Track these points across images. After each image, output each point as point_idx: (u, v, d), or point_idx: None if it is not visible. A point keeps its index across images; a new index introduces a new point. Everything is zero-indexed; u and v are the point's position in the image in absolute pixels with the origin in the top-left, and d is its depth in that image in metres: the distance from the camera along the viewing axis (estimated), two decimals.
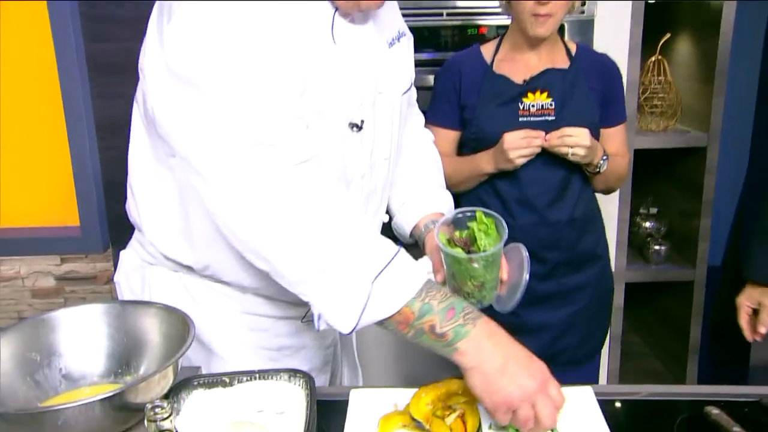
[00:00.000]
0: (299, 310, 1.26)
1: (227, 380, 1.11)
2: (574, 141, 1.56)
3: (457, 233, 1.18)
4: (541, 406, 0.94)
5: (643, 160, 2.42)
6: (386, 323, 0.99)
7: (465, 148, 1.74)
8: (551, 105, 1.61)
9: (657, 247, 2.51)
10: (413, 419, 1.03)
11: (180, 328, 1.11)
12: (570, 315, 1.74)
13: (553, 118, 1.62)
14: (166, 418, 0.79)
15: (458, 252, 1.12)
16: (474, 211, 1.17)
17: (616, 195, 2.36)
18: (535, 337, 1.70)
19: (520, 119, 1.63)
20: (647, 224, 2.58)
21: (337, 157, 1.12)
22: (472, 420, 1.03)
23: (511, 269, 1.18)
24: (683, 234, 2.52)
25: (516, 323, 1.71)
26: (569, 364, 1.76)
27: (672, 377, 2.63)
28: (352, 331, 0.99)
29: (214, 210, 1.02)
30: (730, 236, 3.30)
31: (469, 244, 1.14)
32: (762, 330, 1.54)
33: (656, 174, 2.64)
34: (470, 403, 1.06)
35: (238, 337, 1.25)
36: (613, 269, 2.34)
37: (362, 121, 1.13)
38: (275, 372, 1.12)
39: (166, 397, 1.04)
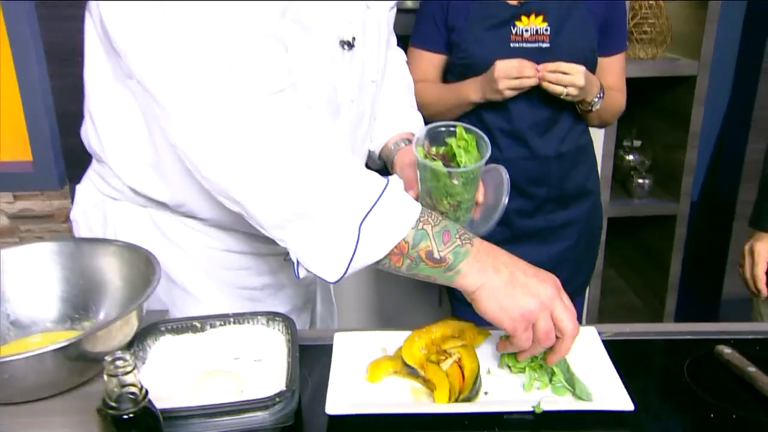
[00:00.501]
0: (278, 247, 1.14)
1: (198, 325, 1.00)
2: (569, 80, 1.44)
3: (434, 148, 1.08)
4: (560, 313, 0.87)
5: (629, 90, 2.31)
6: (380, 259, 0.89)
7: (450, 74, 1.61)
8: (546, 30, 1.49)
9: (640, 181, 2.44)
10: (405, 365, 0.94)
11: (144, 268, 0.99)
12: (558, 252, 1.66)
13: (548, 45, 1.49)
14: (129, 371, 0.68)
15: (438, 165, 1.02)
16: (454, 126, 1.07)
17: (599, 129, 2.28)
18: None
19: (512, 45, 1.50)
20: (631, 157, 2.51)
21: (327, 80, 1.00)
22: (470, 364, 0.94)
23: (487, 191, 1.09)
24: (667, 167, 2.45)
25: None
26: None
27: (650, 313, 2.61)
28: (339, 279, 0.89)
29: (176, 142, 0.89)
30: (708, 169, 3.26)
31: (448, 161, 1.05)
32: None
33: (641, 105, 2.55)
34: (467, 347, 0.97)
35: (215, 277, 1.13)
36: None
37: (353, 38, 1.00)
38: (252, 315, 1.01)
39: (129, 345, 0.93)
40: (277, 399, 0.83)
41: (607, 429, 0.87)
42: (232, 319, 1.01)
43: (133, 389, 0.69)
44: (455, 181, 1.01)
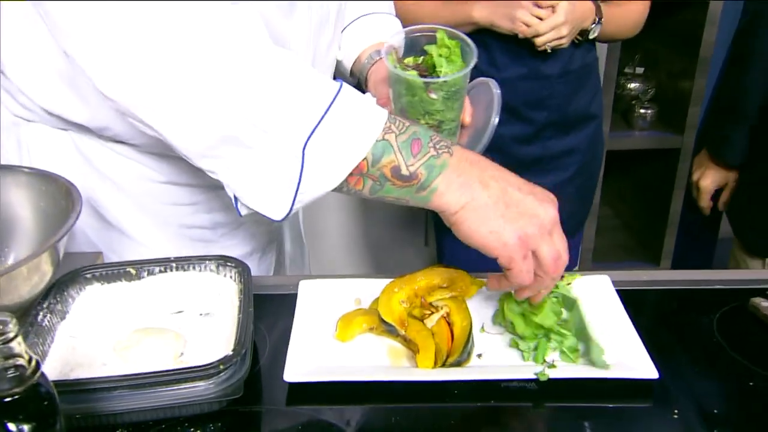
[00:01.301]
0: None
1: (133, 272, 0.83)
2: (547, 26, 1.25)
3: (411, 59, 0.89)
4: (558, 241, 0.72)
5: None
6: None
7: None
8: None
9: (642, 111, 2.25)
10: (383, 322, 0.78)
11: (63, 201, 0.81)
12: (556, 184, 1.49)
13: None
14: (12, 339, 0.51)
15: (412, 76, 0.84)
16: (434, 31, 0.88)
17: (601, 52, 2.08)
18: None
19: None
20: (633, 85, 2.31)
21: None
22: (461, 321, 0.78)
23: (476, 111, 0.91)
24: (672, 97, 2.26)
25: None
26: None
27: (647, 253, 2.48)
28: (286, 217, 0.70)
29: (64, 46, 0.68)
30: (710, 100, 3.07)
31: (426, 72, 0.86)
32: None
33: (646, 28, 2.34)
34: (458, 299, 0.81)
35: (155, 215, 0.94)
36: None
37: None
38: (199, 260, 0.84)
39: (45, 296, 0.76)
40: (222, 366, 0.67)
41: (625, 400, 0.72)
42: (174, 265, 0.83)
43: (18, 362, 0.52)
44: (434, 95, 0.83)
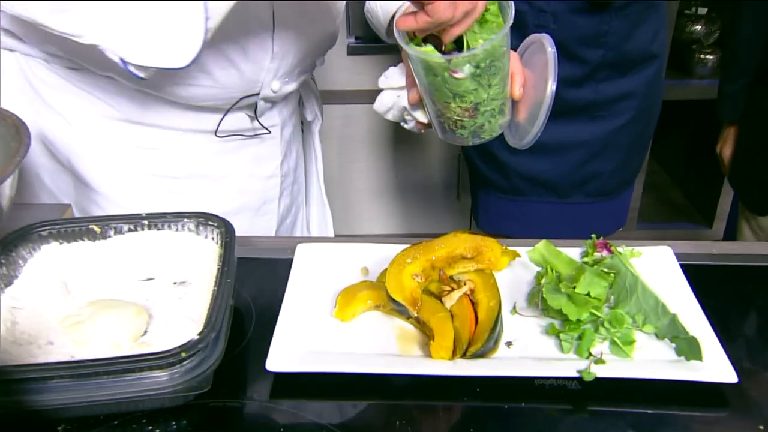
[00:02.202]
0: (209, 118, 0.81)
1: (97, 230, 0.69)
2: None
3: None
4: None
5: None
6: None
7: None
8: None
9: (702, 57, 2.04)
10: (392, 300, 0.63)
11: (13, 143, 0.67)
12: (608, 132, 1.30)
13: None
14: None
15: (428, 53, 0.64)
16: None
17: None
18: (557, 158, 1.27)
19: None
20: (694, 28, 2.08)
21: None
22: (487, 300, 0.63)
23: (531, 79, 0.71)
24: None
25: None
26: (599, 195, 1.35)
27: (699, 214, 2.29)
28: (196, 57, 0.55)
29: None
30: None
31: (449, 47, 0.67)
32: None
33: None
34: (485, 273, 0.66)
35: (117, 160, 0.81)
36: None
37: None
38: (176, 217, 0.70)
39: None
40: (184, 353, 0.53)
41: (692, 408, 0.57)
42: (146, 222, 0.70)
43: None
44: (460, 75, 0.64)
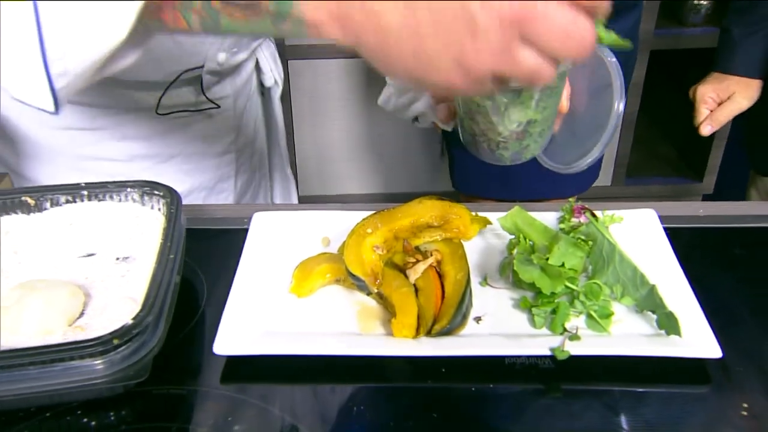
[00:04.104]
0: (149, 94, 0.74)
1: (31, 202, 0.64)
2: None
3: None
4: (539, 34, 0.41)
5: None
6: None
7: None
8: None
9: (696, 3, 1.96)
10: (351, 275, 0.58)
11: None
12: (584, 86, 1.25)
13: None
14: None
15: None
16: None
17: None
18: None
19: None
20: None
21: None
22: (455, 272, 0.59)
23: (577, 91, 0.61)
24: None
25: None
26: None
27: (689, 168, 2.24)
28: (57, 105, 0.47)
29: None
30: None
31: None
32: (707, 129, 1.24)
33: None
34: (453, 243, 0.61)
35: (44, 143, 0.75)
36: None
37: None
38: (118, 187, 0.65)
39: None
40: (117, 340, 0.48)
41: (673, 386, 0.53)
42: (85, 193, 0.64)
43: None
44: (523, 95, 0.53)
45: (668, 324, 0.54)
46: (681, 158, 2.30)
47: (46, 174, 0.74)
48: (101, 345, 0.48)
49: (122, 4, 0.42)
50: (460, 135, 0.61)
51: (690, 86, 2.13)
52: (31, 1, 0.41)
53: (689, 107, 1.99)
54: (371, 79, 2.01)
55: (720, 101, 1.24)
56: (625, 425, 0.51)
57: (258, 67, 0.86)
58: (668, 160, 2.32)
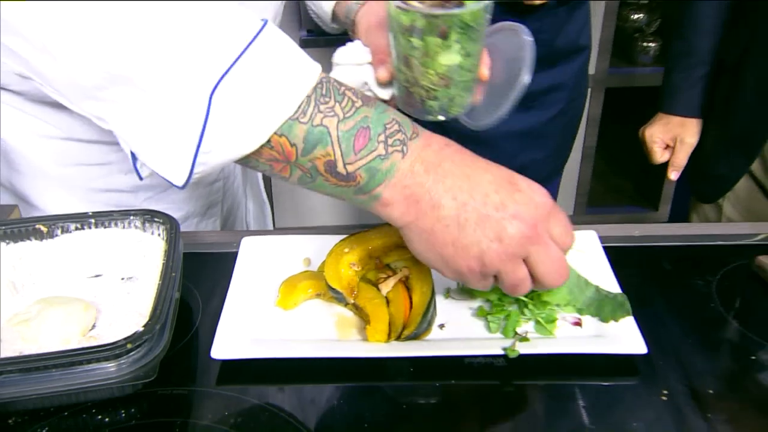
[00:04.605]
0: None
1: (44, 229, 0.72)
2: None
3: None
4: (537, 259, 0.57)
5: None
6: (252, 162, 0.57)
7: None
8: None
9: (645, 45, 2.11)
10: (330, 288, 0.67)
11: None
12: (542, 122, 1.37)
13: None
14: None
15: (418, 6, 0.63)
16: None
17: None
18: (495, 148, 1.32)
19: None
20: (636, 17, 2.16)
21: None
22: (421, 286, 0.68)
23: (495, 64, 0.73)
24: None
25: (465, 132, 1.32)
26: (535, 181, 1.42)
27: (644, 199, 2.37)
28: (187, 183, 0.56)
29: None
30: None
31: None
32: (674, 175, 1.34)
33: None
34: (418, 261, 0.70)
35: (59, 177, 0.82)
36: (592, 72, 1.97)
37: None
38: (122, 215, 0.73)
39: None
40: (130, 345, 0.56)
41: (607, 377, 0.62)
42: (92, 221, 0.72)
43: None
44: (450, 38, 0.64)
45: (617, 309, 0.64)
46: (637, 189, 2.44)
47: (57, 204, 0.82)
48: (117, 349, 0.56)
49: (261, 126, 0.53)
50: (396, 92, 0.71)
51: (642, 122, 2.29)
52: (207, 102, 0.52)
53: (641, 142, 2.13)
54: None
55: (666, 142, 1.34)
56: (567, 412, 0.59)
57: None
58: (626, 191, 2.46)
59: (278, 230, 0.92)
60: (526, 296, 0.67)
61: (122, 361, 0.57)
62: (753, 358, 0.64)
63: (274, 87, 0.53)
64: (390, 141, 0.55)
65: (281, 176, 0.57)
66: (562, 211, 0.60)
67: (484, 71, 0.70)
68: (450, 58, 0.65)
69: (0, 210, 0.79)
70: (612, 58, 2.09)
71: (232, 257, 0.75)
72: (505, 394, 0.62)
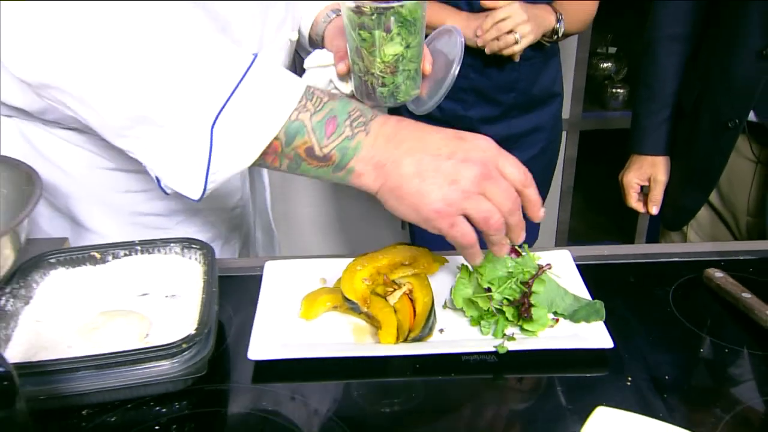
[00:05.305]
0: None
1: (97, 256, 0.83)
2: (512, 23, 1.25)
3: None
4: (491, 193, 0.68)
5: None
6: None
7: None
8: None
9: (614, 91, 2.28)
10: (346, 300, 0.79)
11: (25, 187, 0.81)
12: (523, 161, 1.50)
13: None
14: None
15: (364, 3, 0.78)
16: None
17: None
18: None
19: None
20: (605, 65, 2.34)
21: None
22: (423, 297, 0.80)
23: (437, 62, 0.88)
24: None
25: None
26: None
27: (621, 234, 2.51)
28: (203, 196, 0.72)
29: None
30: None
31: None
32: (655, 210, 1.45)
33: (617, 7, 2.36)
34: (420, 276, 0.83)
35: (108, 202, 0.95)
36: (566, 116, 2.13)
37: None
38: (163, 243, 0.85)
39: (7, 281, 0.76)
40: (185, 345, 0.68)
41: (582, 369, 0.74)
42: (139, 248, 0.84)
43: None
44: (392, 32, 0.79)
45: (593, 312, 0.76)
46: (613, 224, 2.59)
47: (106, 225, 0.94)
48: (175, 348, 0.67)
49: (254, 144, 0.68)
50: (354, 83, 0.86)
51: (615, 161, 2.45)
52: (210, 132, 0.67)
53: (617, 180, 2.29)
54: None
55: (642, 183, 1.46)
56: (549, 397, 0.71)
57: None
58: (603, 227, 2.60)
59: (296, 257, 1.03)
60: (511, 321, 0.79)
61: (176, 360, 0.68)
62: (701, 350, 0.77)
63: (266, 110, 0.68)
64: (354, 124, 0.70)
65: (274, 166, 0.72)
66: (510, 154, 0.73)
67: (427, 67, 0.86)
68: (394, 48, 0.80)
69: (54, 242, 0.91)
70: (585, 103, 2.26)
71: (252, 279, 0.87)
72: (497, 385, 0.74)
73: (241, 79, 0.67)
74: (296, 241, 2.38)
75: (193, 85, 0.66)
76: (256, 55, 0.69)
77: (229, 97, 0.67)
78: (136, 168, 0.92)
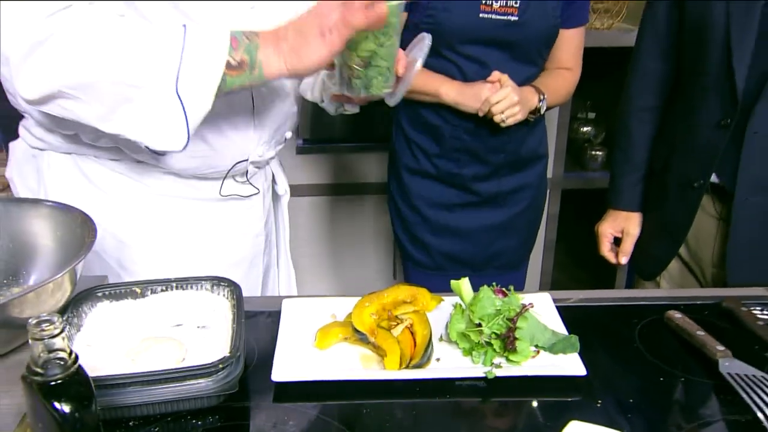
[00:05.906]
0: (214, 185, 1.13)
1: (138, 290, 0.95)
2: (505, 105, 1.42)
3: None
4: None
5: (583, 61, 2.31)
6: None
7: (407, 32, 1.56)
8: (516, 3, 1.44)
9: (594, 153, 2.45)
10: (356, 331, 0.91)
11: (79, 230, 0.93)
12: (511, 216, 1.65)
13: (516, 18, 1.45)
14: (57, 335, 0.63)
15: None
16: None
17: None
18: (471, 239, 1.61)
19: (481, 15, 1.45)
20: (584, 129, 2.51)
21: None
22: (422, 330, 0.92)
23: (410, 65, 0.99)
24: None
25: (452, 226, 1.61)
26: (506, 267, 1.69)
27: (601, 286, 2.64)
28: (187, 144, 0.90)
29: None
30: None
31: None
32: (624, 260, 1.58)
33: (596, 76, 2.55)
34: (419, 312, 0.95)
35: (153, 224, 1.11)
36: (550, 176, 2.28)
37: None
38: (196, 280, 0.97)
39: (63, 311, 0.88)
40: (221, 365, 0.79)
41: (558, 393, 0.86)
42: (174, 284, 0.96)
43: (61, 354, 0.65)
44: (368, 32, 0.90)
45: (568, 345, 0.88)
46: (592, 276, 2.72)
47: (141, 252, 1.11)
48: (212, 368, 0.79)
49: (209, 88, 0.88)
50: (336, 74, 0.98)
51: (595, 219, 2.60)
52: (176, 93, 0.87)
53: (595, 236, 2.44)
54: (334, 218, 2.40)
55: (615, 234, 1.59)
56: (530, 416, 0.83)
57: (273, 179, 1.25)
58: (584, 279, 2.73)
59: (309, 295, 1.15)
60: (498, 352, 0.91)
61: (213, 378, 0.79)
62: (661, 378, 0.89)
63: (208, 64, 0.87)
64: (248, 35, 0.89)
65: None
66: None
67: (400, 69, 0.99)
68: (368, 45, 0.93)
69: (97, 279, 1.02)
70: (567, 164, 2.42)
71: (271, 315, 0.99)
72: (485, 407, 0.85)
73: (182, 49, 0.86)
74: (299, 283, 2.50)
75: (154, 66, 0.86)
76: (185, 26, 0.88)
77: (180, 64, 0.86)
78: (177, 193, 1.09)
